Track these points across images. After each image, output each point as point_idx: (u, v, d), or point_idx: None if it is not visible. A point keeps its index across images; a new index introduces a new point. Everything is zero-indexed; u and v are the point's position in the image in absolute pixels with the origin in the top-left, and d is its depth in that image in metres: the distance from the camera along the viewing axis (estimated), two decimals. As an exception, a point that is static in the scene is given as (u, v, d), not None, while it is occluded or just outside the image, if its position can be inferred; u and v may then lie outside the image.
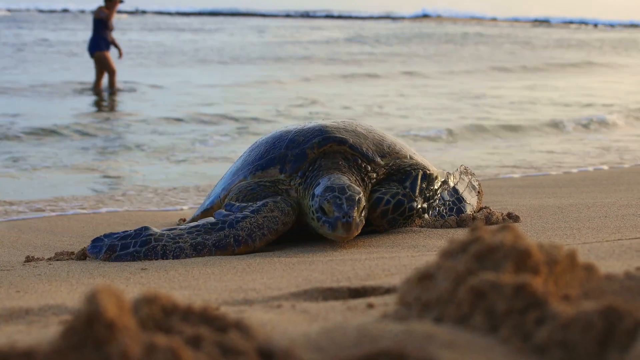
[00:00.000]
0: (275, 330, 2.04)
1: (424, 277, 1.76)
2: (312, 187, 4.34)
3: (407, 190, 4.48)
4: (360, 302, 2.43)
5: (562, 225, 4.33)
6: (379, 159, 4.56)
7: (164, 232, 4.25)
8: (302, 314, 2.30)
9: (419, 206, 4.48)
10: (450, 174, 4.90)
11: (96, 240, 4.30)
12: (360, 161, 4.52)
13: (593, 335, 1.47)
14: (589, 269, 1.82)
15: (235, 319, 1.64)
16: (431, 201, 4.57)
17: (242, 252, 4.17)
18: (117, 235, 4.28)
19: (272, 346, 1.53)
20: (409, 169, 4.60)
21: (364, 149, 4.56)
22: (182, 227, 4.31)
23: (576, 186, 6.51)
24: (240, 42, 38.24)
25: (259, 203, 4.33)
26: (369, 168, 4.53)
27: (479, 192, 4.95)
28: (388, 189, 4.46)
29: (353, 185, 4.21)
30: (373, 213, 4.40)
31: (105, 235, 4.30)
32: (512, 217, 4.62)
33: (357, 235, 4.16)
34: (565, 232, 4.10)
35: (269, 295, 2.81)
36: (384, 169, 4.56)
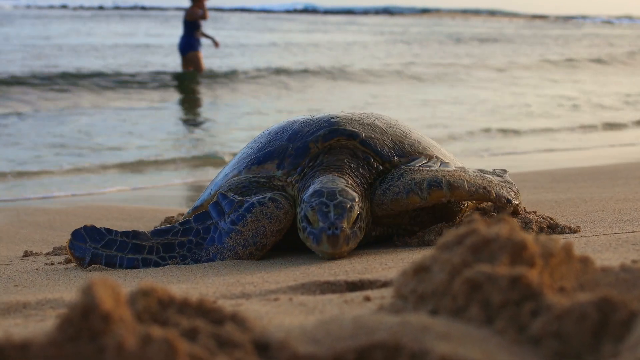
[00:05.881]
0: (272, 323, 2.05)
1: (420, 270, 1.76)
2: (305, 189, 3.74)
3: (402, 166, 3.86)
4: (358, 295, 2.44)
5: (559, 219, 4.33)
6: (395, 159, 3.91)
7: (149, 243, 3.77)
8: (299, 307, 2.30)
9: (412, 166, 3.84)
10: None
11: (76, 236, 3.80)
12: (372, 160, 3.89)
13: (587, 326, 1.47)
14: (585, 261, 1.83)
15: (232, 311, 1.64)
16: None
17: None
18: (100, 237, 3.80)
19: (267, 338, 1.53)
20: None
21: (378, 147, 3.91)
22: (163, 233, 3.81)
23: (574, 181, 6.51)
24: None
25: (247, 204, 3.71)
26: (381, 169, 3.89)
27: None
28: None
29: (347, 189, 3.59)
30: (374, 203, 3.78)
31: (86, 231, 3.80)
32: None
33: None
34: (562, 226, 4.10)
35: (266, 289, 2.82)
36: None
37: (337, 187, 3.58)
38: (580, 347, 1.47)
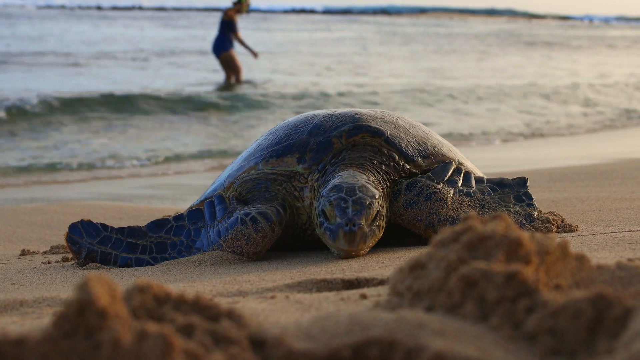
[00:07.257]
0: (268, 320, 2.05)
1: (416, 267, 1.77)
2: (325, 185, 3.62)
3: (429, 174, 3.75)
4: (354, 293, 2.44)
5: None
6: (419, 160, 3.82)
7: (142, 242, 3.82)
8: (295, 304, 2.31)
9: (441, 187, 3.68)
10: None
11: (73, 230, 3.81)
12: (397, 158, 3.78)
13: (582, 322, 1.47)
14: (581, 259, 1.83)
15: (228, 308, 1.64)
16: (467, 191, 3.76)
17: None
18: (96, 232, 3.82)
19: (263, 334, 1.53)
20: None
21: (403, 146, 3.81)
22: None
23: (571, 180, 6.51)
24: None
25: (233, 218, 3.67)
26: (407, 167, 3.80)
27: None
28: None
29: (368, 185, 3.48)
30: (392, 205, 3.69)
31: (83, 225, 3.82)
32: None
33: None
34: (559, 225, 4.09)
35: (263, 287, 2.82)
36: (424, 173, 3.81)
37: (357, 182, 3.48)
38: (575, 343, 1.47)
